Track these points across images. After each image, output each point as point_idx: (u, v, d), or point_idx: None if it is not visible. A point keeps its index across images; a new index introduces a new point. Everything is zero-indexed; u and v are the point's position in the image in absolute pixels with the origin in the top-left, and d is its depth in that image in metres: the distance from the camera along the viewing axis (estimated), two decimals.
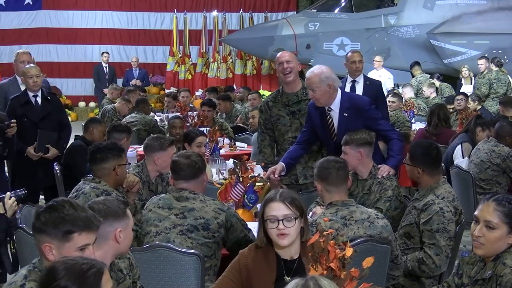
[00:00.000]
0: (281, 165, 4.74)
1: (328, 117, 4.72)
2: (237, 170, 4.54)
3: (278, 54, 5.25)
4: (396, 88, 11.58)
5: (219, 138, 6.91)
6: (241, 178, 4.45)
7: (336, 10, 13.83)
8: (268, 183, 5.45)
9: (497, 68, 10.96)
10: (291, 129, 5.15)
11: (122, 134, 5.57)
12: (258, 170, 5.15)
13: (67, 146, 6.27)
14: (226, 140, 7.61)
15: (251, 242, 3.68)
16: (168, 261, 3.43)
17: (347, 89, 6.17)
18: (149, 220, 3.70)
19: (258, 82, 16.01)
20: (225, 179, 5.15)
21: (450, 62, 13.11)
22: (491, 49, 12.82)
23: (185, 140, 5.72)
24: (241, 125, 9.00)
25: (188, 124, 7.74)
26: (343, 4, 13.92)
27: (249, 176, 4.48)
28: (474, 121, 6.38)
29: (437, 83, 11.77)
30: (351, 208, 3.52)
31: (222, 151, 6.91)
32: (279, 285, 2.90)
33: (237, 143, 7.73)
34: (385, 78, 11.29)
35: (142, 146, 4.96)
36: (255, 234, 3.87)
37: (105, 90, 12.11)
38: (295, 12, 16.11)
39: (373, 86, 6.20)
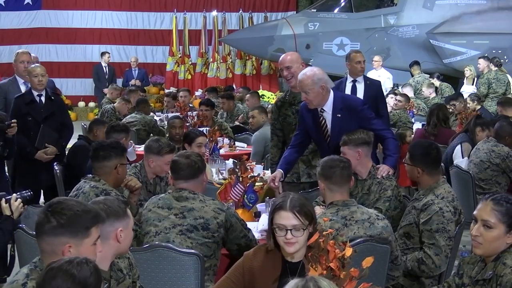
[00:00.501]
0: (279, 171, 4.74)
1: (321, 118, 4.70)
2: (237, 170, 4.55)
3: (280, 59, 5.23)
4: (395, 88, 11.58)
5: (218, 138, 6.91)
6: (240, 178, 4.46)
7: (336, 10, 13.83)
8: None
9: (496, 68, 10.97)
10: (295, 128, 5.15)
11: (120, 134, 5.59)
12: (257, 170, 5.16)
13: (71, 146, 6.31)
14: (226, 140, 7.61)
15: (251, 242, 3.71)
16: (168, 261, 3.43)
17: (348, 89, 6.17)
18: (148, 220, 3.71)
19: (258, 82, 16.01)
20: (224, 179, 5.16)
21: (450, 62, 13.11)
22: (491, 49, 12.82)
23: (185, 141, 5.72)
24: (241, 124, 9.01)
25: (187, 124, 7.74)
26: (342, 4, 13.92)
27: (248, 176, 4.48)
28: (474, 121, 6.38)
29: (437, 82, 11.76)
30: (352, 208, 3.52)
31: (221, 151, 6.92)
32: (282, 285, 2.89)
33: (237, 143, 7.74)
34: (384, 78, 11.29)
35: (143, 146, 4.96)
36: (255, 234, 3.89)
37: (105, 90, 12.11)
38: (295, 12, 16.11)
39: (373, 86, 6.21)
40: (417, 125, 8.88)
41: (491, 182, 5.78)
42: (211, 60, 15.94)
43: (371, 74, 10.58)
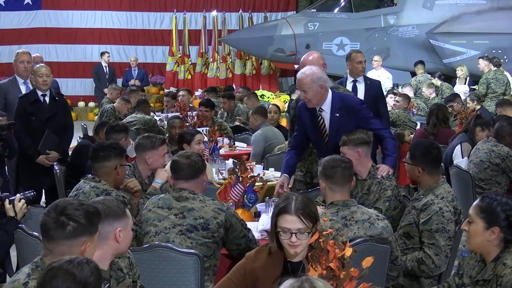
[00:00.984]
0: (285, 177, 4.74)
1: (320, 118, 4.70)
2: (237, 170, 4.54)
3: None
4: (395, 88, 11.58)
5: (218, 138, 6.91)
6: (240, 178, 4.46)
7: (336, 10, 13.84)
8: (268, 183, 5.47)
9: (495, 68, 10.97)
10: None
11: (120, 134, 5.59)
12: (257, 170, 5.16)
13: (75, 146, 6.33)
14: (226, 140, 7.61)
15: (251, 242, 3.71)
16: (168, 261, 3.43)
17: (349, 88, 6.13)
18: (148, 220, 3.71)
19: (258, 82, 16.00)
20: (224, 179, 5.15)
21: (450, 62, 13.11)
22: (491, 49, 12.82)
23: (183, 142, 5.64)
24: (241, 124, 9.00)
25: (187, 124, 7.73)
26: (342, 4, 13.92)
27: (248, 176, 4.48)
28: (474, 121, 6.38)
29: (438, 82, 11.73)
30: (352, 209, 3.53)
31: (221, 151, 6.92)
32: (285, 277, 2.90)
33: (237, 143, 7.74)
34: (384, 78, 11.29)
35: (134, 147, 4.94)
36: (255, 234, 3.89)
37: (105, 90, 12.12)
38: (295, 12, 16.12)
39: (373, 86, 6.21)
40: (417, 125, 8.88)
41: (491, 182, 5.78)
42: (211, 60, 15.94)
43: (371, 74, 10.58)
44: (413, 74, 13.09)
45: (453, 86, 11.87)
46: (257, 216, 4.43)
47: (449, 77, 12.88)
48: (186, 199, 3.67)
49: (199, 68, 16.00)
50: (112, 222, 2.77)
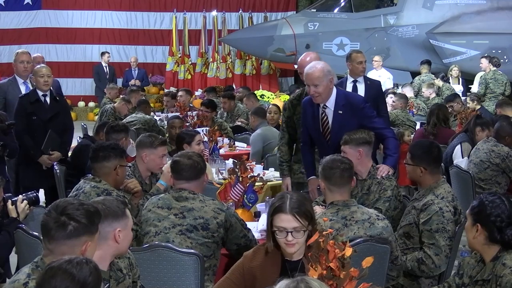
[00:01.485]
0: (314, 179, 4.74)
1: (323, 114, 4.71)
2: (237, 170, 4.54)
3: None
4: (395, 88, 11.57)
5: (218, 138, 6.91)
6: (240, 178, 4.45)
7: (336, 10, 13.83)
8: (268, 183, 5.47)
9: (494, 68, 10.97)
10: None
11: (120, 134, 5.57)
12: (257, 170, 5.15)
13: (75, 146, 6.34)
14: (226, 140, 7.61)
15: (251, 242, 3.70)
16: (168, 261, 3.43)
17: (349, 89, 6.15)
18: (148, 220, 3.70)
19: (258, 82, 16.00)
20: (224, 179, 5.15)
21: (450, 62, 13.10)
22: (491, 49, 12.82)
23: (182, 143, 5.59)
24: (241, 124, 9.00)
25: (187, 124, 7.73)
26: (342, 4, 13.92)
27: (248, 176, 4.47)
28: (474, 121, 6.38)
29: (440, 83, 11.69)
30: (352, 209, 3.52)
31: (221, 151, 6.91)
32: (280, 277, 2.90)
33: (237, 143, 7.74)
34: (385, 78, 11.28)
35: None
36: (255, 234, 3.89)
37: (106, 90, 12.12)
38: (295, 12, 16.12)
39: (374, 86, 6.20)
40: (417, 125, 8.88)
41: (491, 182, 5.78)
42: (211, 60, 15.94)
43: (372, 74, 10.57)
44: (413, 74, 13.09)
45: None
46: (257, 216, 4.43)
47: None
48: (186, 199, 3.67)
49: (199, 68, 15.99)
50: (111, 223, 2.77)
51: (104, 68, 13.94)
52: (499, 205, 2.89)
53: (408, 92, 10.70)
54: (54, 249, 2.48)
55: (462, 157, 6.20)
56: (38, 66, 6.35)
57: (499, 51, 12.74)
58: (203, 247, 3.58)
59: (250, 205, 4.44)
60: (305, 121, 4.86)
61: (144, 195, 4.33)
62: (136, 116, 8.55)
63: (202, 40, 16.01)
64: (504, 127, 5.90)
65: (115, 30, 16.09)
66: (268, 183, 5.57)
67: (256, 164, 5.49)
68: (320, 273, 2.51)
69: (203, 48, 16.02)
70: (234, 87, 13.84)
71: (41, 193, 6.30)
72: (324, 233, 2.60)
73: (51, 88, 6.22)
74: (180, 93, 10.31)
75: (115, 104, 9.42)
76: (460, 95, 10.29)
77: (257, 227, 4.09)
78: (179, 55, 15.99)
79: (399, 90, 10.83)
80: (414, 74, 13.09)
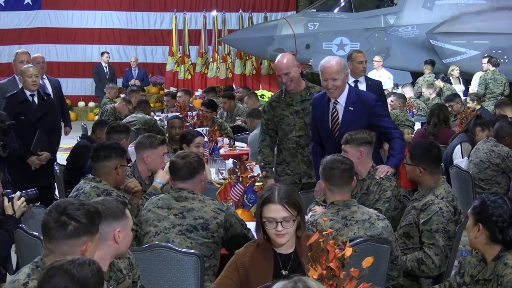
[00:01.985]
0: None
1: (334, 110, 4.77)
2: (237, 170, 4.54)
3: (276, 63, 5.16)
4: (395, 88, 11.57)
5: (218, 138, 6.91)
6: (240, 178, 4.45)
7: (336, 10, 13.82)
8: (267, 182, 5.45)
9: (494, 68, 10.97)
10: (295, 128, 5.17)
11: (121, 135, 5.57)
12: (257, 170, 5.15)
13: (73, 146, 6.31)
14: (226, 140, 7.61)
15: None
16: (168, 261, 3.43)
17: None
18: (148, 220, 3.71)
19: (258, 82, 16.00)
20: (224, 179, 5.15)
21: (450, 62, 13.09)
22: (491, 49, 12.82)
23: (183, 141, 5.69)
24: (241, 124, 9.00)
25: (187, 124, 7.73)
26: (342, 4, 13.90)
27: (248, 176, 4.47)
28: (474, 121, 6.38)
29: (441, 83, 11.69)
30: (353, 209, 3.53)
31: (221, 151, 6.91)
32: (276, 279, 2.91)
33: (237, 143, 7.73)
34: (385, 78, 11.27)
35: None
36: (255, 234, 3.89)
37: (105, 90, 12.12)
38: (295, 12, 16.10)
39: (374, 86, 6.19)
40: (417, 125, 8.87)
41: (491, 182, 5.78)
42: (211, 60, 15.93)
43: (372, 74, 10.56)
44: (413, 74, 13.08)
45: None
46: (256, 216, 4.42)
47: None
48: (186, 199, 3.68)
49: (199, 68, 15.99)
50: (111, 223, 2.76)
51: (104, 68, 13.93)
52: (501, 205, 2.89)
53: (409, 92, 10.69)
54: (54, 249, 2.48)
55: (462, 157, 6.20)
56: (26, 66, 6.30)
57: (499, 51, 12.74)
58: (203, 247, 3.58)
59: (250, 205, 4.44)
60: (315, 117, 4.91)
61: (142, 195, 4.34)
62: (136, 116, 8.55)
63: (202, 40, 16.01)
64: (504, 127, 5.90)
65: (115, 30, 16.08)
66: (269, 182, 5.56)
67: (256, 164, 5.49)
68: (320, 273, 2.51)
69: (203, 48, 16.02)
70: (234, 87, 13.83)
71: None
72: (324, 233, 2.60)
73: (53, 86, 6.22)
74: (179, 94, 10.30)
75: (115, 104, 9.41)
76: (462, 95, 10.28)
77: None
78: (179, 55, 15.98)
79: (399, 90, 10.83)
80: (414, 74, 13.08)
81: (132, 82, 14.20)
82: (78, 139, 6.66)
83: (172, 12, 16.05)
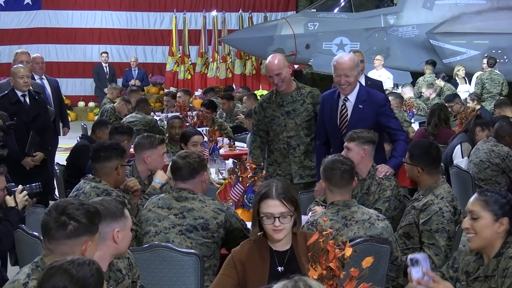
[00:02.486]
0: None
1: (343, 106, 4.79)
2: (237, 170, 4.54)
3: (267, 64, 5.18)
4: (395, 88, 11.56)
5: (218, 138, 6.91)
6: (240, 178, 4.45)
7: (336, 10, 13.82)
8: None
9: (490, 68, 10.97)
10: (286, 129, 5.15)
11: (123, 136, 5.56)
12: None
13: (73, 146, 6.32)
14: (226, 140, 7.61)
15: None
16: (168, 261, 3.43)
17: None
18: (148, 220, 3.71)
19: (258, 82, 16.01)
20: (224, 179, 5.15)
21: (450, 62, 13.10)
22: (491, 49, 12.82)
23: (182, 140, 5.73)
24: (241, 124, 9.00)
25: (187, 124, 7.73)
26: (342, 4, 13.90)
27: (248, 176, 4.47)
28: (474, 121, 6.38)
29: (442, 83, 11.69)
30: (353, 209, 3.53)
31: (221, 151, 6.91)
32: (272, 275, 2.92)
33: (237, 143, 7.73)
34: (385, 78, 11.27)
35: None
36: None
37: (106, 90, 12.12)
38: (295, 12, 16.10)
39: (375, 86, 6.19)
40: (417, 125, 8.87)
41: (491, 182, 5.78)
42: (211, 60, 15.93)
43: (372, 74, 10.56)
44: (413, 74, 13.08)
45: (456, 87, 11.84)
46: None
47: (450, 77, 12.86)
48: (186, 199, 3.68)
49: (199, 68, 15.99)
50: (110, 223, 2.76)
51: (104, 68, 13.94)
52: (509, 195, 2.89)
53: (408, 92, 10.69)
54: (54, 249, 2.48)
55: (462, 157, 6.20)
56: (17, 66, 6.27)
57: (499, 51, 12.74)
58: (203, 247, 3.58)
59: (250, 205, 4.43)
60: (323, 114, 4.92)
61: (141, 195, 4.34)
62: (137, 116, 8.53)
63: (202, 40, 16.01)
64: (504, 127, 5.90)
65: (115, 30, 16.08)
66: None
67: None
68: (320, 273, 2.51)
69: (203, 48, 16.02)
70: (234, 87, 13.84)
71: None
72: (324, 233, 2.60)
73: (52, 86, 6.21)
74: (178, 94, 10.30)
75: (115, 105, 9.41)
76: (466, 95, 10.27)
77: None
78: (179, 55, 15.98)
79: (399, 90, 10.83)
80: (414, 74, 13.08)
81: (132, 82, 14.21)
82: (78, 139, 6.66)
83: (172, 12, 16.05)
